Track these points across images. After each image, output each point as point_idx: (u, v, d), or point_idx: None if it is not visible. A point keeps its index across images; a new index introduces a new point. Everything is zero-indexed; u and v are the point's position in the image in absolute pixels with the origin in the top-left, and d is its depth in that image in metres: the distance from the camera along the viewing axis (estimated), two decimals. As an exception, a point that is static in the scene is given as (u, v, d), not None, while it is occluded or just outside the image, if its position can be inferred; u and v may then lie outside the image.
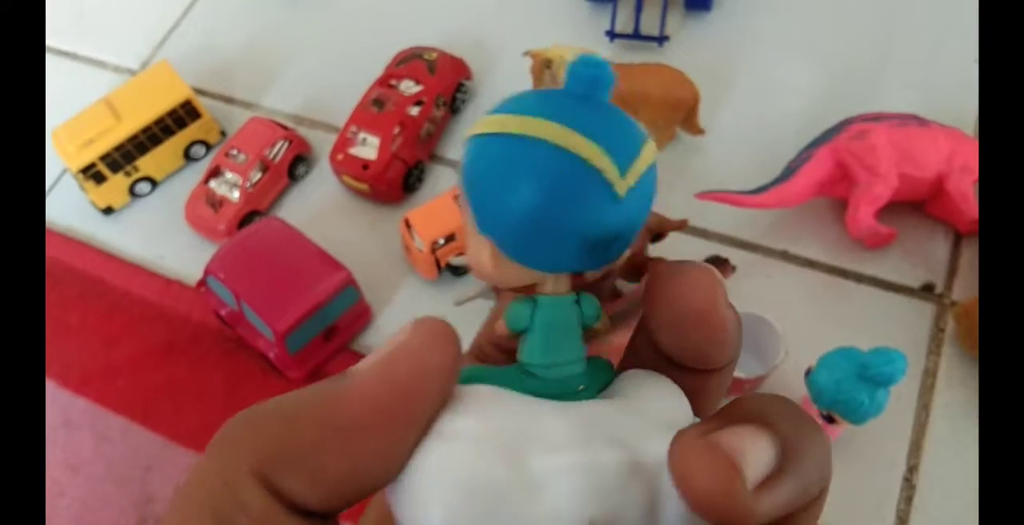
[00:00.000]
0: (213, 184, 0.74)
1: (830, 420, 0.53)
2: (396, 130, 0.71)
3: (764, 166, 0.67)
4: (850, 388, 0.51)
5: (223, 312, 0.65)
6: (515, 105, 0.16)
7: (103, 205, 0.77)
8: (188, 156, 0.79)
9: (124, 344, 0.71)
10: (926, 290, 0.63)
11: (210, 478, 0.16)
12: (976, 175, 0.62)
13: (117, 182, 0.76)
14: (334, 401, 0.16)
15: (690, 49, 0.78)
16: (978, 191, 0.63)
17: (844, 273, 0.65)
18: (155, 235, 0.77)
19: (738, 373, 0.56)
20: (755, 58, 0.77)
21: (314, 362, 0.65)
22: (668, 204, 0.64)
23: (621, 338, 0.21)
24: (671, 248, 0.62)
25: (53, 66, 0.91)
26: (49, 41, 0.93)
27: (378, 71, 0.77)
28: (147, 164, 0.77)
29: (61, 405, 0.69)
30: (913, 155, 0.62)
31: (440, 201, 0.67)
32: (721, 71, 0.76)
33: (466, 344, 0.18)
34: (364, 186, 0.72)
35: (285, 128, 0.76)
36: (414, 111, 0.72)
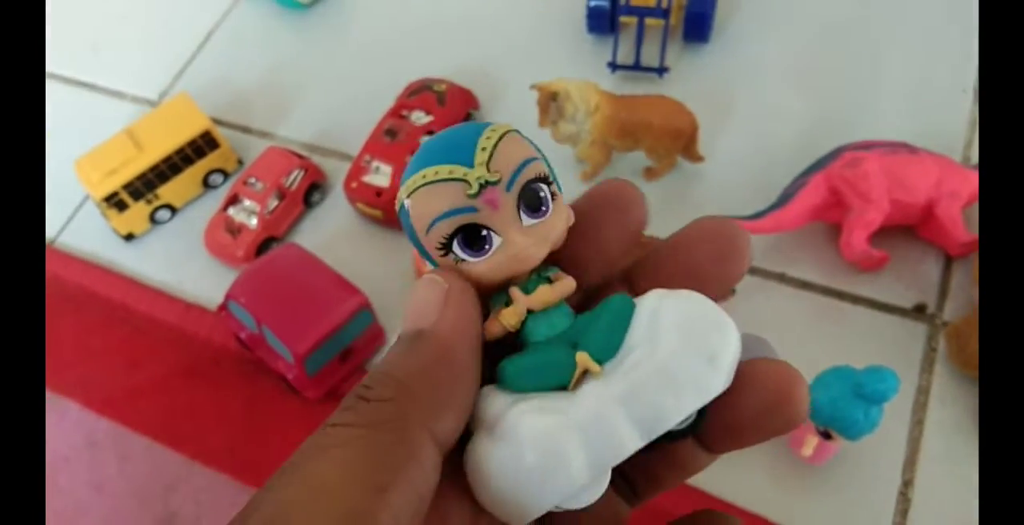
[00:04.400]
0: (232, 211, 0.77)
1: (827, 436, 0.55)
2: (408, 159, 0.74)
3: (761, 192, 0.70)
4: (845, 405, 0.53)
5: (243, 335, 0.68)
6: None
7: (124, 232, 0.80)
8: (207, 184, 0.82)
9: (146, 367, 0.73)
10: (918, 311, 0.66)
11: (383, 430, 0.19)
12: (964, 200, 0.65)
13: (138, 210, 0.79)
14: (442, 350, 0.19)
15: (689, 80, 0.81)
16: (979, 209, 0.66)
17: (839, 295, 0.67)
18: (175, 261, 0.79)
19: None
20: (752, 88, 0.80)
21: (330, 383, 0.67)
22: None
23: None
24: (673, 272, 0.64)
25: (73, 97, 0.95)
26: (69, 72, 0.97)
27: (390, 102, 0.80)
28: (167, 192, 0.80)
29: (85, 426, 0.72)
30: (904, 181, 0.64)
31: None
32: (719, 100, 0.79)
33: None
34: (378, 212, 0.75)
35: (301, 157, 0.79)
36: (425, 141, 0.75)
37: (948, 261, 0.68)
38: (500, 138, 0.20)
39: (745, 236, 0.21)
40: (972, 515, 0.56)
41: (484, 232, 0.20)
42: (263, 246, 0.76)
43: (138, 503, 0.68)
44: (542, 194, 0.20)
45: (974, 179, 0.65)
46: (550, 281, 0.21)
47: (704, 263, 0.21)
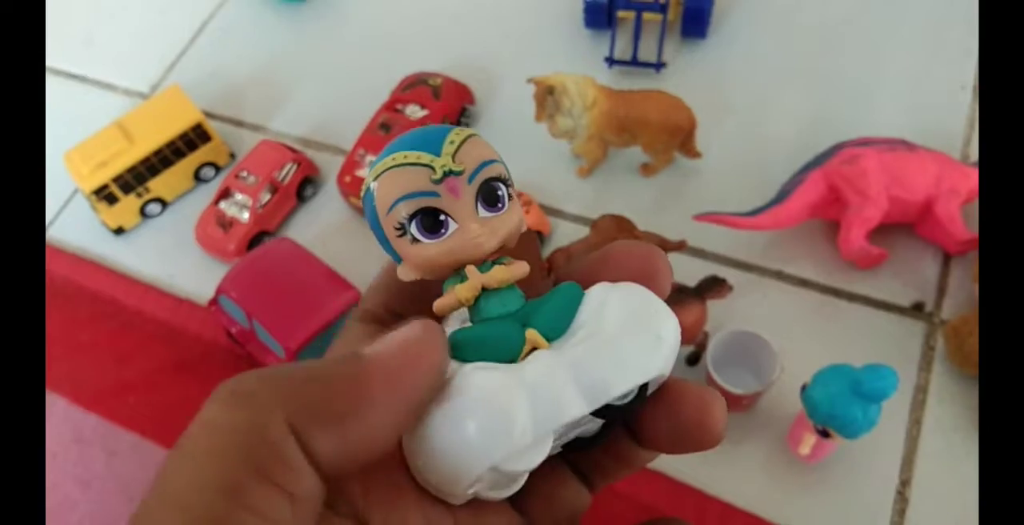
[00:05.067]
0: (223, 205, 0.76)
1: (825, 435, 0.55)
2: (402, 153, 0.73)
3: (759, 189, 0.70)
4: (844, 404, 0.52)
5: (234, 330, 0.67)
6: None
7: (115, 226, 0.79)
8: (198, 178, 0.81)
9: (135, 362, 0.72)
10: (916, 309, 0.65)
11: (242, 428, 0.16)
12: (963, 197, 0.65)
13: (128, 203, 0.78)
14: (360, 372, 0.18)
15: (686, 75, 0.81)
16: (979, 207, 0.65)
17: (837, 292, 0.67)
18: (165, 255, 0.78)
19: (735, 389, 0.57)
20: (750, 84, 0.80)
21: (322, 379, 0.67)
22: (666, 225, 0.67)
23: None
24: (670, 268, 0.64)
25: (64, 89, 0.93)
26: (61, 65, 0.96)
27: (384, 96, 0.79)
28: (158, 185, 0.79)
29: (73, 422, 0.70)
30: (902, 179, 0.64)
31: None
32: (717, 96, 0.78)
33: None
34: (371, 207, 0.74)
35: (294, 151, 0.78)
36: (420, 135, 0.75)
37: (946, 259, 0.67)
38: (467, 137, 0.21)
39: (663, 260, 0.22)
40: (970, 514, 0.56)
41: (442, 217, 0.21)
42: (255, 240, 0.75)
43: (126, 499, 0.67)
44: (499, 192, 0.21)
45: (973, 176, 0.65)
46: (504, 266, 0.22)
47: (630, 279, 0.22)
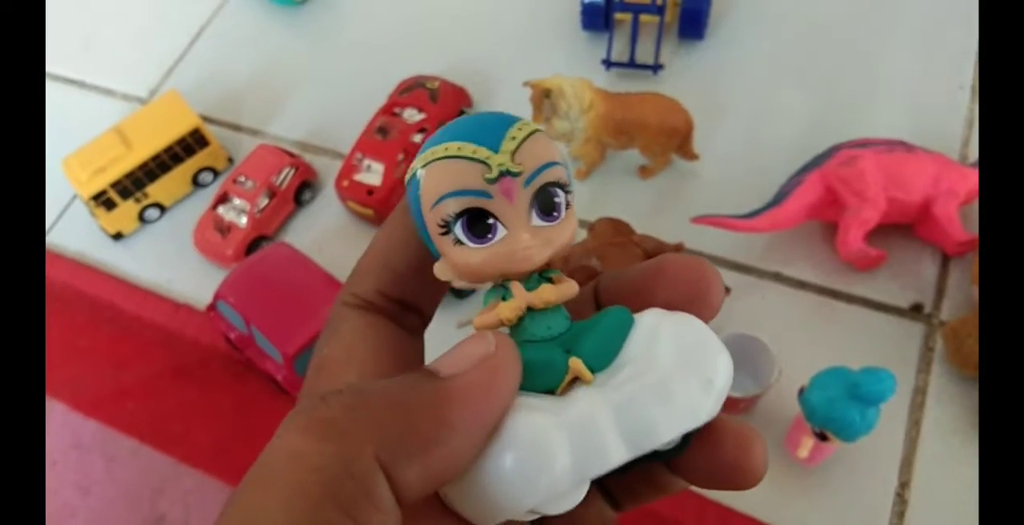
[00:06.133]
0: (221, 210, 0.76)
1: (823, 438, 0.55)
2: (400, 157, 0.74)
3: (756, 191, 0.70)
4: (842, 406, 0.52)
5: (232, 335, 0.67)
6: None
7: (113, 231, 0.79)
8: (196, 182, 0.81)
9: (134, 367, 0.72)
10: (915, 310, 0.65)
11: (331, 462, 0.16)
12: (961, 199, 0.64)
13: (127, 208, 0.78)
14: (440, 396, 0.17)
15: (684, 77, 0.81)
16: (979, 208, 0.65)
17: (835, 294, 0.67)
18: (164, 260, 0.79)
19: (733, 393, 0.57)
20: (747, 85, 0.80)
21: (321, 384, 0.67)
22: (664, 227, 0.67)
23: None
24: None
25: (63, 94, 0.94)
26: (59, 70, 0.96)
27: (382, 99, 0.79)
28: (156, 191, 0.79)
29: (72, 427, 0.71)
30: (900, 180, 0.64)
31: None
32: (714, 98, 0.78)
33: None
34: (369, 211, 0.74)
35: (291, 155, 0.78)
36: (417, 138, 0.75)
37: (945, 260, 0.67)
38: (531, 133, 0.19)
39: (717, 277, 0.21)
40: (970, 516, 0.56)
41: (491, 221, 0.19)
42: (253, 245, 0.75)
43: (126, 505, 0.67)
44: (557, 199, 0.19)
45: (971, 177, 0.65)
46: (552, 282, 0.20)
47: (677, 304, 0.20)
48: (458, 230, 0.19)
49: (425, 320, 0.23)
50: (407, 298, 0.22)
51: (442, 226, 0.19)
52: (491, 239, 0.19)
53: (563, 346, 0.20)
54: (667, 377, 0.19)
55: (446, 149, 0.19)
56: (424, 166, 0.19)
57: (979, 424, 0.34)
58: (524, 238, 0.19)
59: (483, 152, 0.19)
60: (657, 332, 0.19)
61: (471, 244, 0.19)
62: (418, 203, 0.19)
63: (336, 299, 0.22)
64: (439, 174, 0.19)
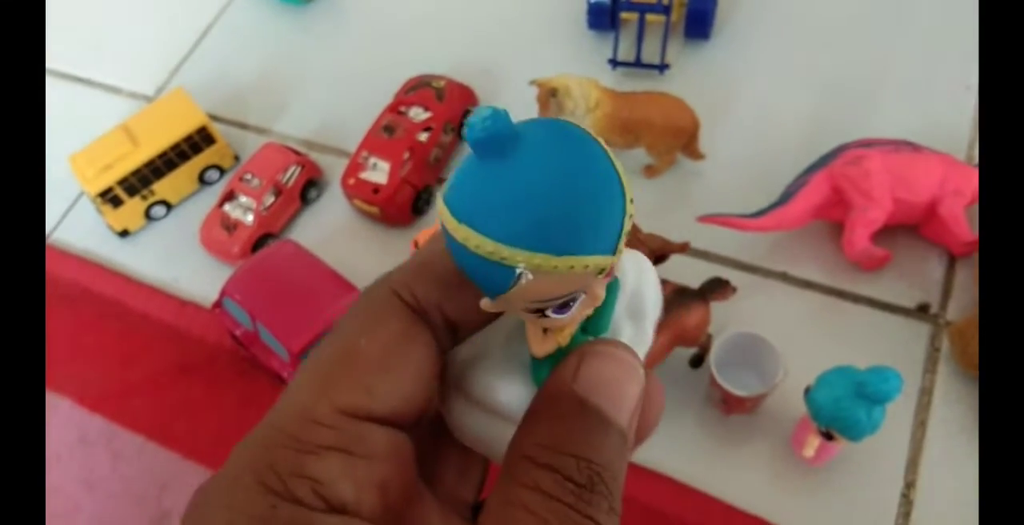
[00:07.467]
0: (228, 208, 0.76)
1: (829, 437, 0.55)
2: (406, 155, 0.74)
3: (762, 190, 0.70)
4: (848, 406, 0.52)
5: (238, 332, 0.67)
6: (458, 203, 0.18)
7: (119, 228, 0.80)
8: (203, 180, 0.82)
9: (140, 364, 0.73)
10: (921, 310, 0.65)
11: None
12: (968, 199, 0.64)
13: (133, 206, 0.78)
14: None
15: (690, 76, 0.81)
16: (979, 211, 0.65)
17: (841, 294, 0.67)
18: (170, 257, 0.79)
19: (739, 391, 0.57)
20: (753, 85, 0.80)
21: (326, 381, 0.67)
22: (670, 227, 0.66)
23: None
24: (673, 270, 0.63)
25: (70, 92, 0.94)
26: (66, 68, 0.96)
27: (388, 98, 0.79)
28: (163, 188, 0.79)
29: (77, 423, 0.71)
30: (907, 180, 0.64)
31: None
32: (720, 98, 0.78)
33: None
34: (374, 209, 0.74)
35: (298, 153, 0.78)
36: (423, 137, 0.75)
37: (951, 260, 0.67)
38: (631, 217, 0.18)
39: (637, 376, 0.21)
40: (975, 517, 0.56)
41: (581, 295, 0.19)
42: (259, 243, 0.75)
43: (131, 502, 0.67)
44: None
45: (977, 177, 0.65)
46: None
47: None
48: (549, 312, 0.18)
49: (455, 343, 0.22)
50: (450, 314, 0.21)
51: (535, 312, 0.18)
52: (573, 305, 0.19)
53: (582, 329, 0.21)
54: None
55: (572, 267, 0.17)
56: (532, 268, 0.17)
57: (979, 424, 0.34)
58: (600, 293, 0.19)
59: (605, 262, 0.17)
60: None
61: (558, 316, 0.19)
62: (505, 286, 0.18)
63: (383, 281, 0.21)
64: (552, 284, 0.17)
